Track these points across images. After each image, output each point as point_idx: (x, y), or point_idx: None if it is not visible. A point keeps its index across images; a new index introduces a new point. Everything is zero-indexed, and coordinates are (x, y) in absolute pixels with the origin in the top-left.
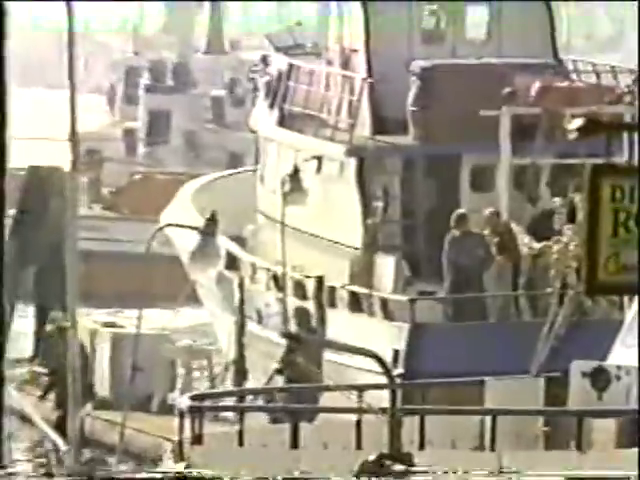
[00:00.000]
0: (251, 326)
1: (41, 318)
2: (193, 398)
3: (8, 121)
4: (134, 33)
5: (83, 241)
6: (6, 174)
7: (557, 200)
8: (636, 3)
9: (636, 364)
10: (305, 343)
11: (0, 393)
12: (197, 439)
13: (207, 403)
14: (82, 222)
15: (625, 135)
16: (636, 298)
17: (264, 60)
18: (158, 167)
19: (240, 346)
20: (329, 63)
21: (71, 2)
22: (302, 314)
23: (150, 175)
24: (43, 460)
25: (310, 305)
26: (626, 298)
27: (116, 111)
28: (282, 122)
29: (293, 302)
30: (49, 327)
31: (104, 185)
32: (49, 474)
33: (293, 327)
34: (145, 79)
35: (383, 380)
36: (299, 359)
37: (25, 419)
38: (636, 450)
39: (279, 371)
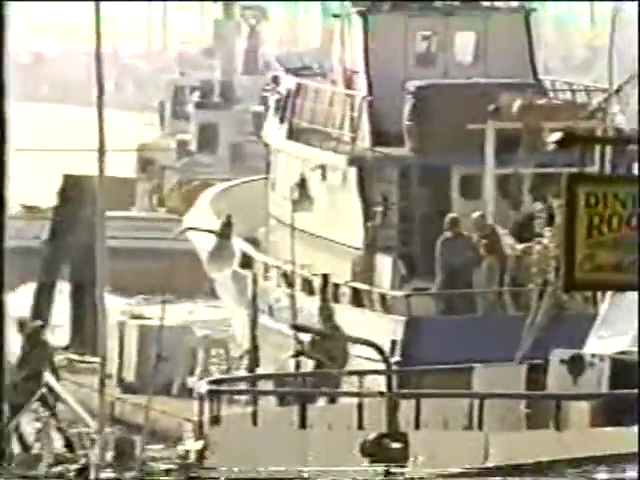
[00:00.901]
0: (263, 319)
1: (76, 311)
2: (211, 383)
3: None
4: (180, 57)
5: (156, 241)
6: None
7: (537, 205)
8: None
9: (608, 353)
10: (311, 334)
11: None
12: (215, 420)
13: (224, 387)
14: (152, 224)
15: (597, 147)
16: (608, 294)
17: (275, 80)
18: (208, 174)
19: (253, 337)
20: (333, 83)
21: (100, 26)
22: (324, 310)
23: (206, 181)
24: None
25: (316, 300)
26: (599, 294)
27: (166, 125)
28: (290, 135)
29: (305, 298)
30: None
31: (165, 190)
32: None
33: (310, 321)
34: (195, 97)
35: (382, 367)
36: (308, 349)
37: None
38: (609, 429)
39: (296, 355)
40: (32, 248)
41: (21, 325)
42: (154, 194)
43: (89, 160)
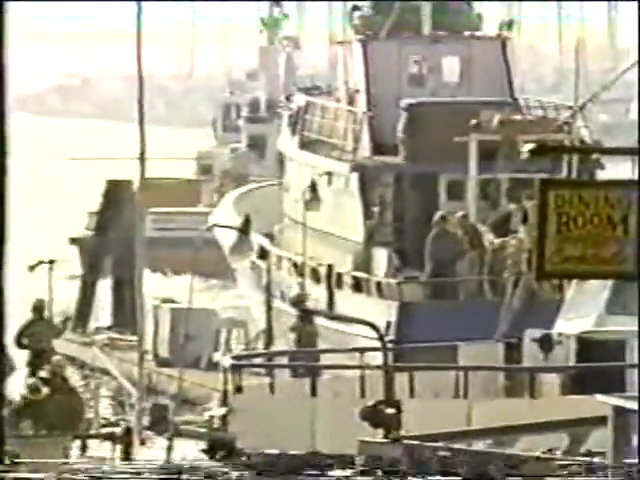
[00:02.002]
0: (277, 303)
1: (117, 296)
2: (234, 358)
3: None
4: (229, 79)
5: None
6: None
7: (513, 206)
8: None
9: (574, 332)
10: (315, 314)
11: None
12: (237, 389)
13: (244, 362)
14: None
15: (564, 157)
16: (574, 282)
17: (288, 98)
18: (260, 179)
19: (268, 318)
20: (338, 100)
21: (141, 52)
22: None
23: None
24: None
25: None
26: (566, 282)
27: (218, 137)
28: (301, 146)
29: (312, 285)
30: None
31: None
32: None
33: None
34: (245, 112)
35: (378, 344)
36: (306, 324)
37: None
38: (576, 397)
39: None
40: None
41: (36, 307)
42: (215, 193)
43: (129, 167)
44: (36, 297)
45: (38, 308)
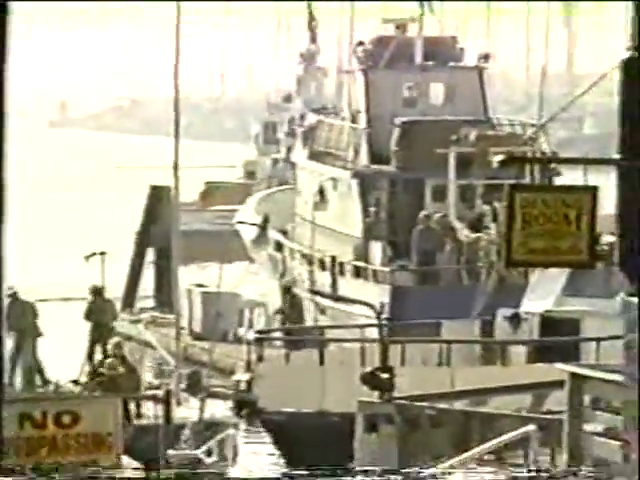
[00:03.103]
0: (292, 288)
1: (159, 281)
2: (256, 332)
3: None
4: (268, 102)
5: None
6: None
7: (486, 207)
8: None
9: (537, 311)
10: (323, 296)
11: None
12: (259, 358)
13: (265, 336)
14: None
15: (528, 166)
16: (537, 270)
17: (301, 117)
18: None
19: (283, 300)
20: (342, 119)
21: (178, 73)
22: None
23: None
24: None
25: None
26: (530, 270)
27: (259, 148)
28: (311, 157)
29: (319, 273)
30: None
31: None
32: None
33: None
34: (284, 128)
35: (375, 321)
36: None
37: (149, 347)
38: (539, 365)
39: (279, 311)
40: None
41: (95, 291)
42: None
43: (169, 174)
44: (93, 283)
45: (97, 290)
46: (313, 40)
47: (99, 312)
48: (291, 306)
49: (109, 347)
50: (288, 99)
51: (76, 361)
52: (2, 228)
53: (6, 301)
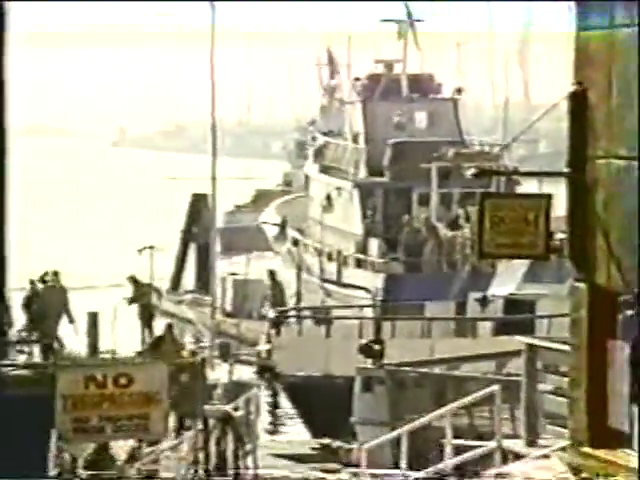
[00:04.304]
0: (304, 276)
1: (200, 271)
2: (276, 312)
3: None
4: (298, 124)
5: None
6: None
7: (461, 211)
8: None
9: (502, 294)
10: (330, 282)
11: None
12: (277, 332)
13: (282, 314)
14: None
15: (495, 178)
16: (503, 260)
17: (313, 139)
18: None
19: (298, 285)
20: (345, 140)
21: (215, 106)
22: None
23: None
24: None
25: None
26: (497, 261)
27: (293, 162)
28: (321, 170)
29: (327, 263)
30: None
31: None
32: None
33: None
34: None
35: (371, 302)
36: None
37: (190, 322)
38: (503, 337)
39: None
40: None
41: (134, 281)
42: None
43: (207, 184)
44: (131, 273)
45: (134, 279)
46: (332, 77)
47: (141, 296)
48: (275, 289)
49: (163, 327)
50: (313, 123)
51: (130, 335)
52: (2, 228)
53: (40, 286)
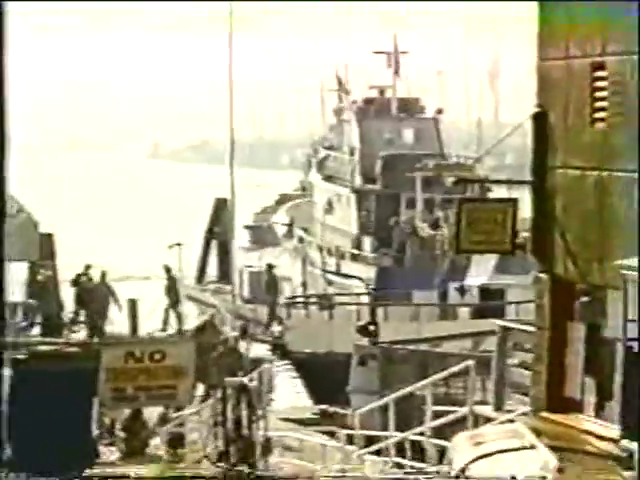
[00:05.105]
0: (309, 268)
1: (221, 263)
2: (287, 298)
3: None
4: (312, 139)
5: None
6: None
7: (442, 213)
8: None
9: (476, 284)
10: (330, 273)
11: None
12: (288, 315)
13: (292, 300)
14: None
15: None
16: (477, 255)
17: (315, 151)
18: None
19: (304, 276)
20: (343, 153)
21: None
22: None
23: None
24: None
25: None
26: (472, 255)
27: (307, 172)
28: (323, 179)
29: (327, 257)
30: None
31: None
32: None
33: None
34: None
35: (366, 290)
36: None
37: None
38: (480, 320)
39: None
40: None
41: (167, 270)
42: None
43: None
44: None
45: (168, 269)
46: (340, 100)
47: (172, 283)
48: (271, 281)
49: (206, 316)
50: (323, 140)
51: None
52: (2, 228)
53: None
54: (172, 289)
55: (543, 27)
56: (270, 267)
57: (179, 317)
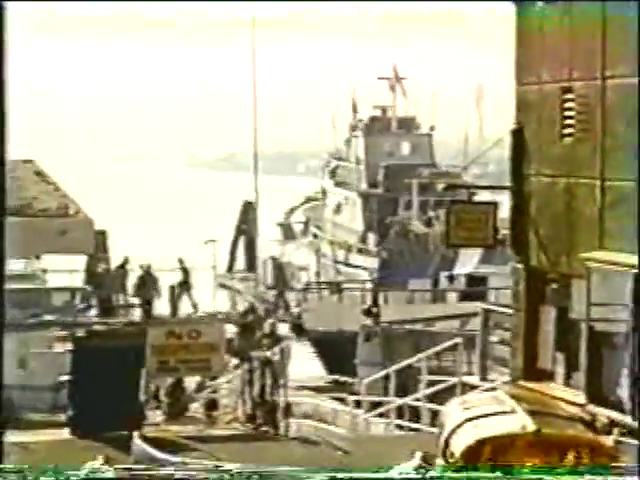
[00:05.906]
0: (322, 260)
1: (247, 255)
2: (303, 285)
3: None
4: (328, 151)
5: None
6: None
7: (434, 213)
8: None
9: (463, 272)
10: (340, 263)
11: None
12: (305, 299)
13: (308, 287)
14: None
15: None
16: (464, 249)
17: (327, 163)
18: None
19: (317, 266)
20: (351, 163)
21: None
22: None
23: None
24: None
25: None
26: (460, 249)
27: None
28: (334, 185)
29: (338, 251)
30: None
31: None
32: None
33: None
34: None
35: (370, 278)
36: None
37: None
38: (465, 304)
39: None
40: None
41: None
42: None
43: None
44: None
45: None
46: (354, 118)
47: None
48: (279, 274)
49: (247, 304)
50: (339, 151)
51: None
52: (2, 227)
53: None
54: (186, 276)
55: (520, 57)
56: (274, 260)
57: (192, 300)
